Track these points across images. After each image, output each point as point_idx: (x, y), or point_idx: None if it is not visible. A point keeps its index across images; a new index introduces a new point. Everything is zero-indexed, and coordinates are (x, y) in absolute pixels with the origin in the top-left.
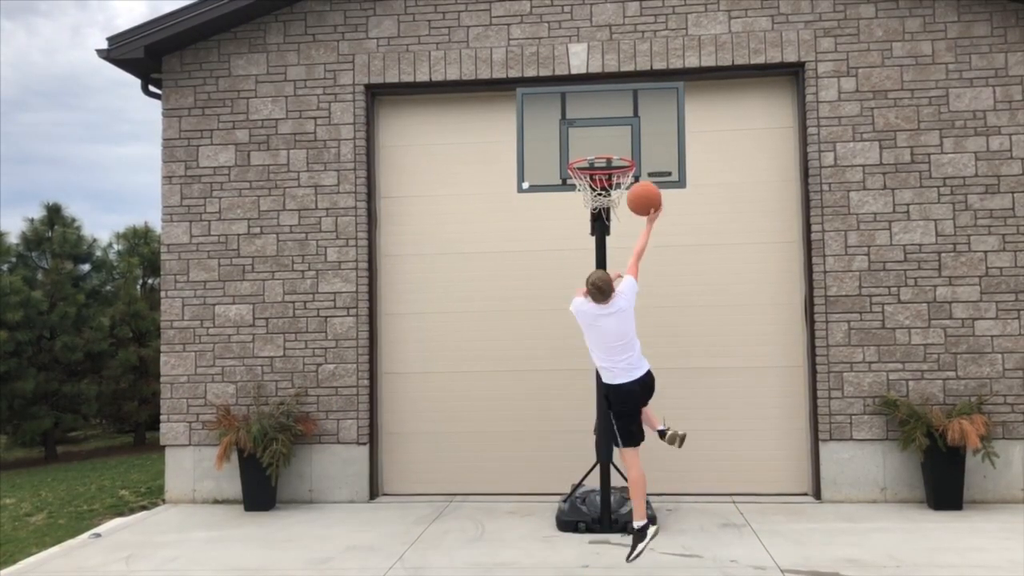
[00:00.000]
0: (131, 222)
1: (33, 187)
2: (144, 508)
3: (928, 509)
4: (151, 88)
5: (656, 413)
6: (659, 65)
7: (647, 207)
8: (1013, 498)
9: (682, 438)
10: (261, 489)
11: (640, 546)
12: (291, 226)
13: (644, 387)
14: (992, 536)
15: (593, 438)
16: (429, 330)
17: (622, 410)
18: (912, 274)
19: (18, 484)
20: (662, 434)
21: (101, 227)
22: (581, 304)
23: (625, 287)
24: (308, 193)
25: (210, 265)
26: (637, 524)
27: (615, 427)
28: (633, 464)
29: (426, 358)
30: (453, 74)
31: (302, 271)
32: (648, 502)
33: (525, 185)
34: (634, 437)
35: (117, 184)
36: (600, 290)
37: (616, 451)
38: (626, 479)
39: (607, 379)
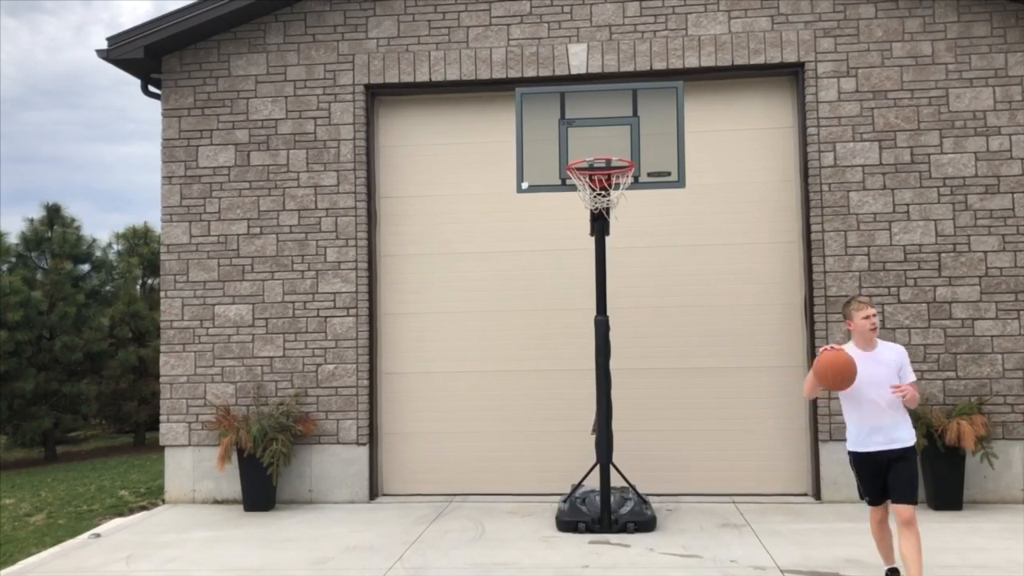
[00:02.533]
0: (133, 222)
1: (35, 186)
2: (144, 508)
3: (928, 509)
4: (151, 88)
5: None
6: (659, 65)
7: (840, 381)
8: (1013, 498)
9: None
10: (261, 489)
11: None
12: (291, 226)
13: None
14: (992, 536)
15: (593, 438)
16: (429, 330)
17: None
18: (912, 274)
19: (18, 484)
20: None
21: (103, 227)
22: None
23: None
24: (308, 193)
25: (210, 265)
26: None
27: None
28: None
29: (426, 358)
30: (453, 74)
31: (302, 271)
32: (648, 501)
33: (524, 185)
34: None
35: (120, 183)
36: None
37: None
38: (628, 480)
39: None
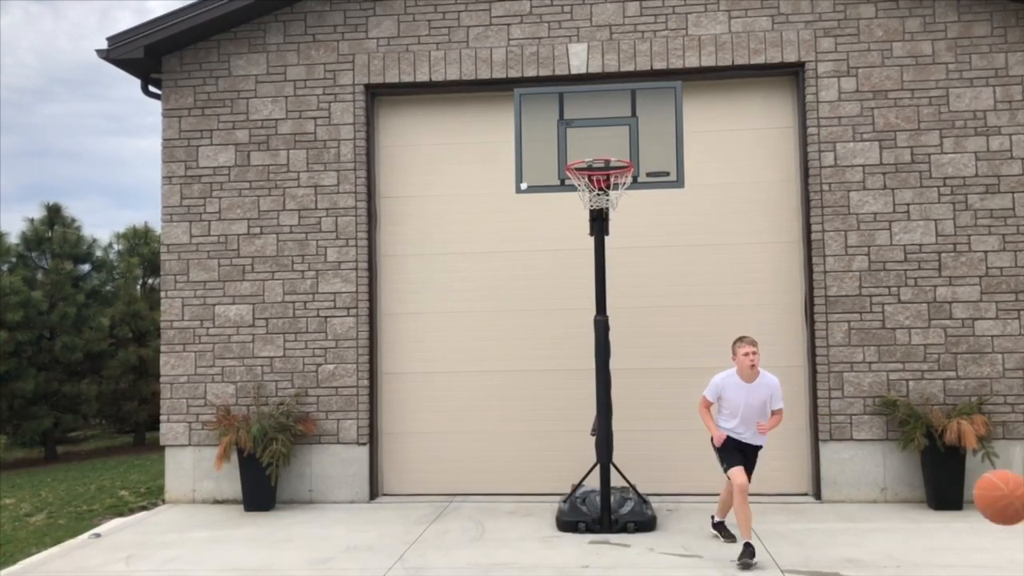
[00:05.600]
0: (146, 219)
1: (49, 181)
2: (144, 508)
3: (928, 509)
4: (151, 88)
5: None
6: (659, 65)
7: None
8: None
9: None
10: (261, 489)
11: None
12: (291, 226)
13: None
14: (992, 536)
15: (593, 438)
16: (429, 330)
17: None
18: (912, 274)
19: (18, 484)
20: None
21: (116, 223)
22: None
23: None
24: (308, 193)
25: (210, 265)
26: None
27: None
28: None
29: (426, 358)
30: (453, 74)
31: (302, 271)
32: (648, 501)
33: (523, 186)
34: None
35: (135, 179)
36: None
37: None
38: (628, 480)
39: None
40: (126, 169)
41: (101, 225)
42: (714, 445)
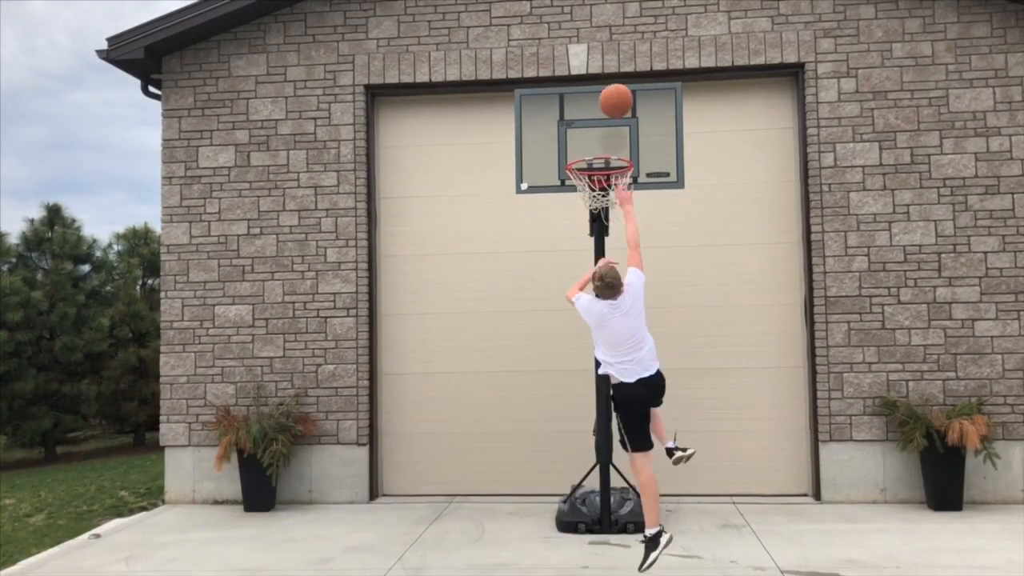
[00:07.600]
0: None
1: (72, 175)
2: (144, 509)
3: (928, 510)
4: (151, 89)
5: (668, 428)
6: (659, 66)
7: (620, 107)
8: (1013, 499)
9: (689, 457)
10: (261, 490)
11: (653, 555)
12: (291, 227)
13: (653, 388)
14: (992, 537)
15: (593, 438)
16: (429, 330)
17: (628, 413)
18: (912, 275)
19: (18, 484)
20: (670, 452)
21: (133, 220)
22: (589, 303)
23: (633, 280)
24: (308, 194)
25: (210, 266)
26: (649, 531)
27: (622, 430)
28: (642, 469)
29: (426, 358)
30: (453, 75)
31: (302, 272)
32: None
33: (524, 186)
34: (640, 441)
35: (157, 174)
36: (610, 286)
37: (626, 453)
38: (628, 481)
39: (615, 378)
40: (150, 162)
41: (116, 222)
42: None
